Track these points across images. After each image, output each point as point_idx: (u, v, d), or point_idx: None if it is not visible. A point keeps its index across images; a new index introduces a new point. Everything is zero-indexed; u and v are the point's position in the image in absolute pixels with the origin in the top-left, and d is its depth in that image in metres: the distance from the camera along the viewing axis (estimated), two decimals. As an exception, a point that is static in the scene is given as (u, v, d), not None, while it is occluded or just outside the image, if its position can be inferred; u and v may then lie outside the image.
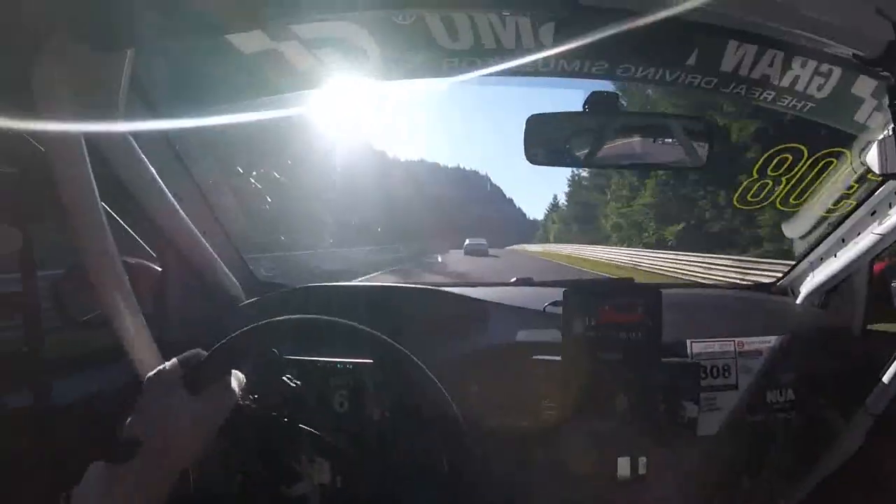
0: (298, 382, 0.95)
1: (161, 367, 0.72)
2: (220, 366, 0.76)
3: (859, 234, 1.36)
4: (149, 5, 0.82)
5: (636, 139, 1.10)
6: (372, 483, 0.94)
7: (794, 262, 1.57)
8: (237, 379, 0.78)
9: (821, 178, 1.38)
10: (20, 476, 0.89)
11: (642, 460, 1.20)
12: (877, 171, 0.96)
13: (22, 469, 0.90)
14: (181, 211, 1.16)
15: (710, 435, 1.26)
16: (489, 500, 1.27)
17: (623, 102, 1.08)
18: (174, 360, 0.74)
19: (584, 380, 1.15)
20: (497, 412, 1.17)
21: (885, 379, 1.29)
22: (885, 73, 0.88)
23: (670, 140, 1.11)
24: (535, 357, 1.18)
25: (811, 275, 1.49)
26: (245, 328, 0.78)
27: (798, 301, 1.53)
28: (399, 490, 0.96)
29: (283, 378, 0.94)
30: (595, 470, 1.21)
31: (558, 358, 1.17)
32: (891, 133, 0.92)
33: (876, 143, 0.94)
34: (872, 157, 0.96)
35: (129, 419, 0.67)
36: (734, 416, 1.28)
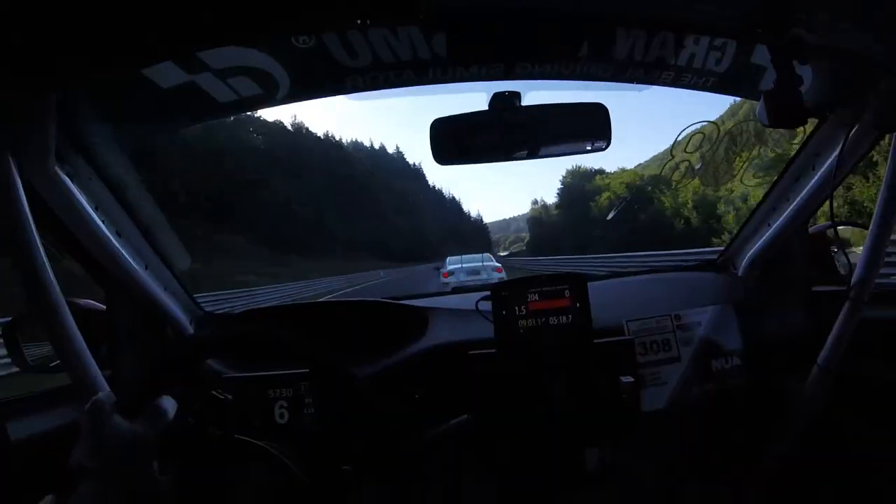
0: (229, 397, 0.97)
1: (96, 396, 0.75)
2: (151, 388, 0.80)
3: (788, 199, 1.39)
4: (65, 46, 0.87)
5: (541, 130, 1.15)
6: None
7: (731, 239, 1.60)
8: (170, 401, 0.81)
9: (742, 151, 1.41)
10: None
11: (603, 450, 1.22)
12: (764, 122, 0.96)
13: None
14: (121, 247, 1.19)
15: (660, 409, 1.27)
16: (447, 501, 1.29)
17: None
18: (107, 389, 0.77)
19: (521, 368, 1.18)
20: (441, 410, 1.19)
21: (834, 334, 1.29)
22: (766, 34, 0.90)
23: (574, 127, 1.16)
24: (471, 352, 1.21)
25: (749, 246, 1.51)
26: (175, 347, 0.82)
27: (739, 274, 1.55)
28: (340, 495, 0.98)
29: (214, 392, 0.96)
30: (559, 462, 1.22)
31: (494, 351, 1.20)
32: (775, 86, 0.92)
33: (762, 95, 0.95)
34: (760, 109, 0.96)
35: (73, 450, 0.71)
36: (681, 387, 1.30)
